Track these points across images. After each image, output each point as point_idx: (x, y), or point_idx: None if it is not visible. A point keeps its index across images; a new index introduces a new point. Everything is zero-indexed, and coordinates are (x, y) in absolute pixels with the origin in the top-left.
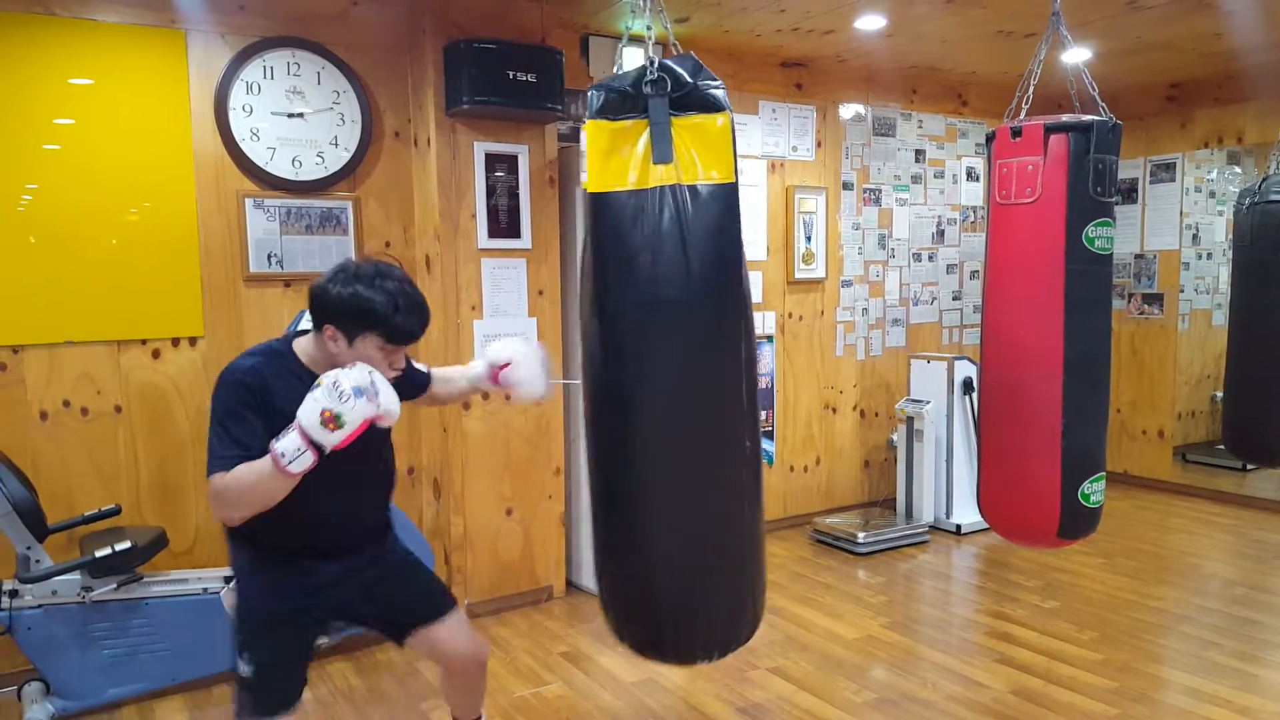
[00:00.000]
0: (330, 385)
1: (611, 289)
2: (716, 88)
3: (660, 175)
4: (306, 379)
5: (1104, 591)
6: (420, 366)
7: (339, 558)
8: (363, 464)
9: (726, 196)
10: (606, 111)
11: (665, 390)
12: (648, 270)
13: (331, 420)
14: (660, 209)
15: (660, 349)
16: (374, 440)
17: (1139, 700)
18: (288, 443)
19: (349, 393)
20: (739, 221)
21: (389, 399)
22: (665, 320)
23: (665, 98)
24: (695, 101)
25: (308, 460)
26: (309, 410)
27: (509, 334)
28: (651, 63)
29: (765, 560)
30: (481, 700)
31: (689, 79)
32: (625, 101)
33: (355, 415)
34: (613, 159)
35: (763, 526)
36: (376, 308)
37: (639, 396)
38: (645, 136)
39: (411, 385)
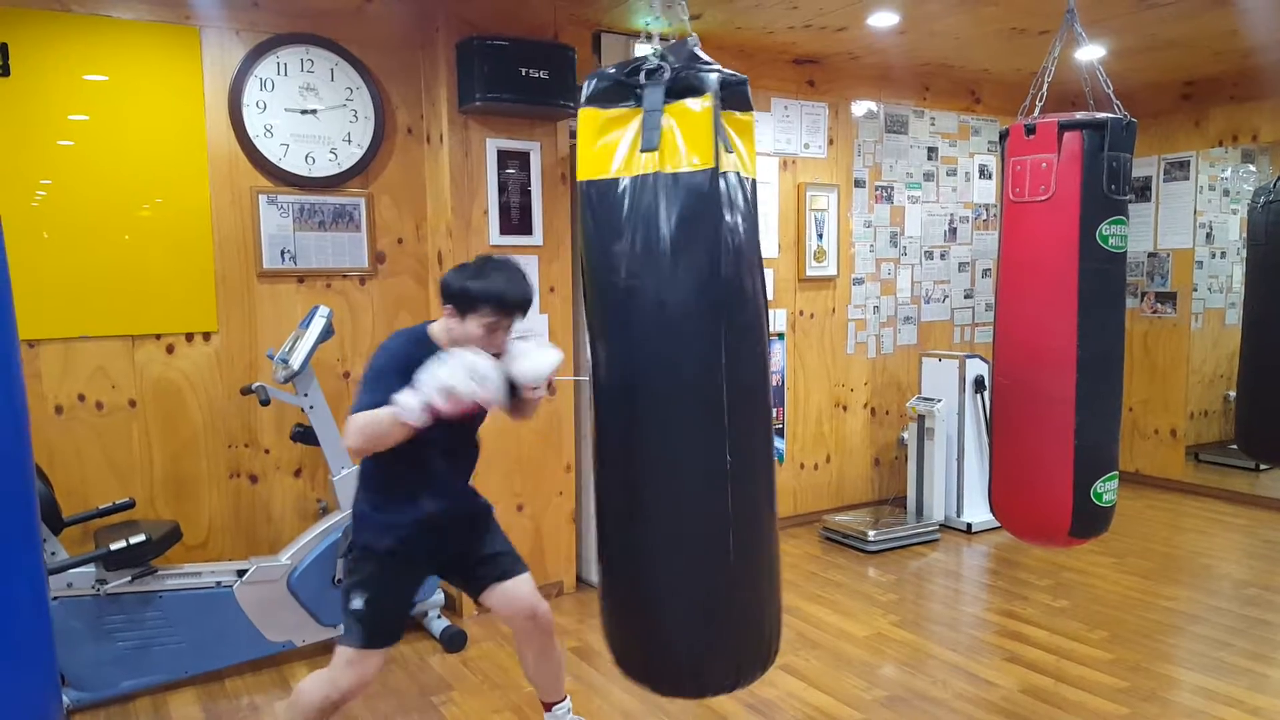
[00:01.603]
0: (457, 364)
1: (595, 280)
2: (706, 71)
3: (644, 163)
4: (405, 362)
5: (1115, 591)
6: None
7: (446, 506)
8: (464, 436)
9: (704, 183)
10: (597, 100)
11: (647, 385)
12: (624, 260)
13: (449, 393)
14: (640, 197)
15: (638, 343)
16: (476, 419)
17: (1150, 700)
18: (407, 398)
19: (469, 373)
20: (720, 208)
21: (494, 391)
22: (642, 312)
23: (660, 86)
24: (683, 87)
25: (421, 417)
26: (432, 377)
27: (520, 331)
28: (655, 52)
29: (779, 581)
30: (561, 679)
31: (679, 64)
32: (618, 90)
33: (468, 393)
34: (601, 147)
35: (776, 547)
36: (492, 292)
37: (629, 390)
38: (636, 124)
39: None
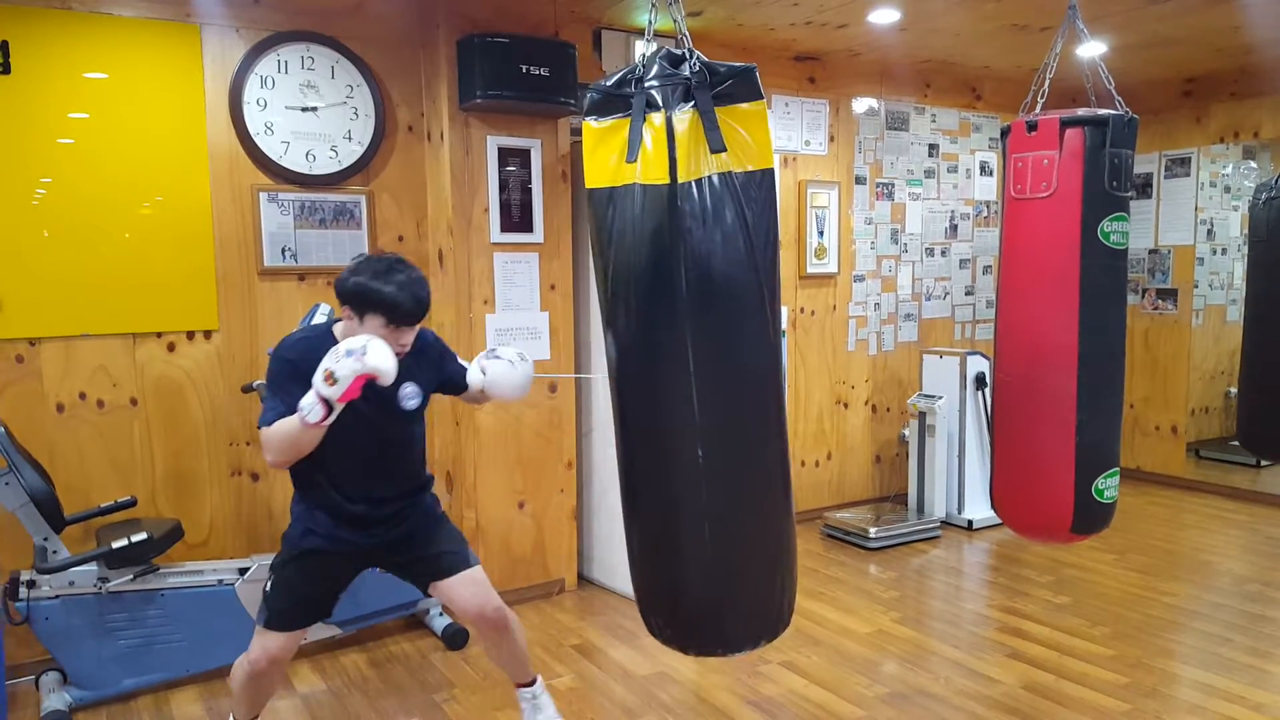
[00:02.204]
0: (331, 350)
1: (596, 279)
2: (666, 82)
3: (626, 174)
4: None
5: (1116, 587)
6: (464, 364)
7: (367, 510)
8: (382, 427)
9: (660, 196)
10: (592, 112)
11: (637, 389)
12: (613, 269)
13: (329, 377)
14: (622, 208)
15: (621, 347)
16: (389, 406)
17: (1151, 696)
18: (305, 399)
19: (341, 354)
20: (680, 219)
21: (377, 358)
22: (625, 317)
23: (643, 95)
24: (648, 100)
25: (318, 412)
26: (317, 372)
27: (521, 328)
28: (642, 58)
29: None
30: (525, 664)
31: (647, 75)
32: (608, 102)
33: (346, 371)
34: (596, 157)
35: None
36: (373, 291)
37: (620, 393)
38: (624, 134)
39: (447, 378)
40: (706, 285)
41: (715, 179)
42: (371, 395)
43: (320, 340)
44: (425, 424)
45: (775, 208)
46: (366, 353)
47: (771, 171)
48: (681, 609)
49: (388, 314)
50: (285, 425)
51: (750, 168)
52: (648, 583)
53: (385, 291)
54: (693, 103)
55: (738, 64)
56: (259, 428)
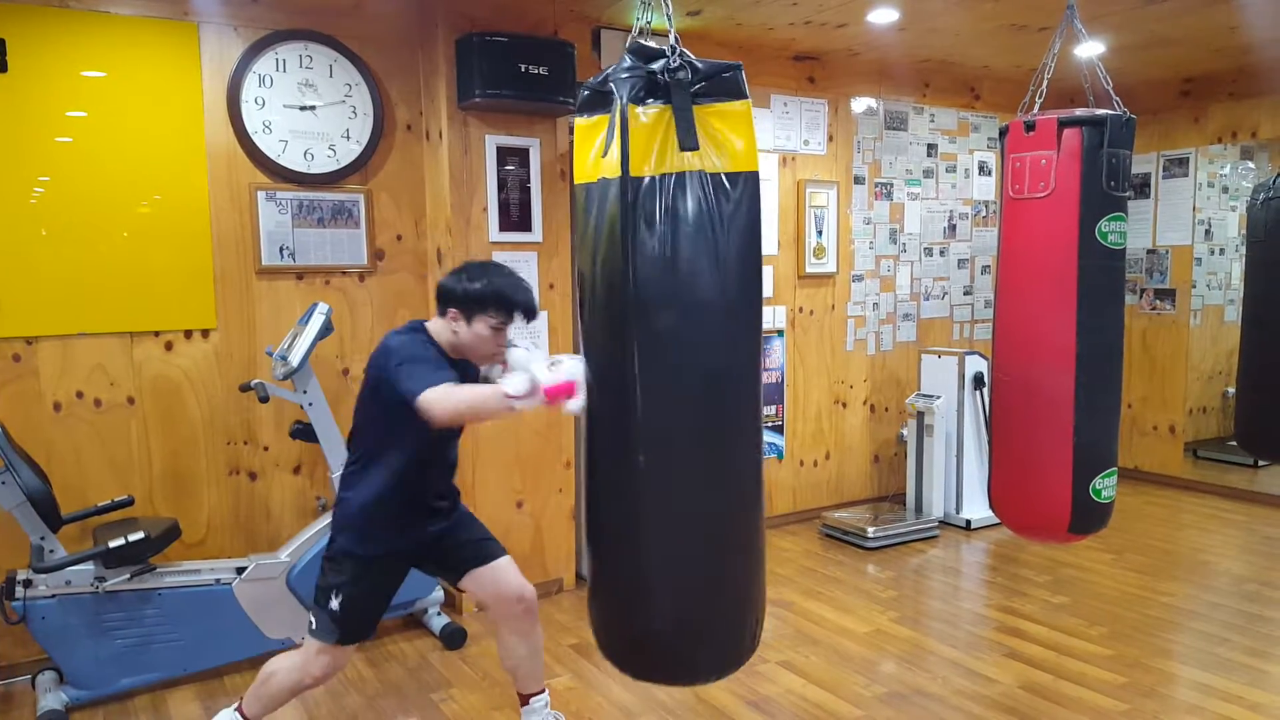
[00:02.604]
0: (542, 361)
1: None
2: (621, 80)
3: (597, 169)
4: (437, 352)
5: (1114, 587)
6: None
7: (431, 506)
8: (454, 432)
9: (616, 192)
10: (581, 109)
11: (595, 392)
12: (581, 263)
13: (554, 368)
14: (590, 201)
15: (586, 337)
16: (458, 430)
17: (1149, 696)
18: (517, 384)
19: (564, 360)
20: (630, 215)
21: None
22: (588, 307)
23: (625, 93)
24: (616, 95)
25: (527, 403)
26: (534, 370)
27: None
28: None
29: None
30: (541, 667)
31: (613, 71)
32: (592, 99)
33: (566, 371)
34: (581, 153)
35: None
36: (498, 294)
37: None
38: (603, 131)
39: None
40: (656, 286)
41: (679, 178)
42: None
43: (427, 339)
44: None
45: (754, 211)
46: (573, 366)
47: (753, 175)
48: (620, 633)
49: (509, 315)
50: (481, 393)
51: (726, 169)
52: (596, 597)
53: (517, 296)
54: (664, 99)
55: (723, 61)
56: (427, 389)
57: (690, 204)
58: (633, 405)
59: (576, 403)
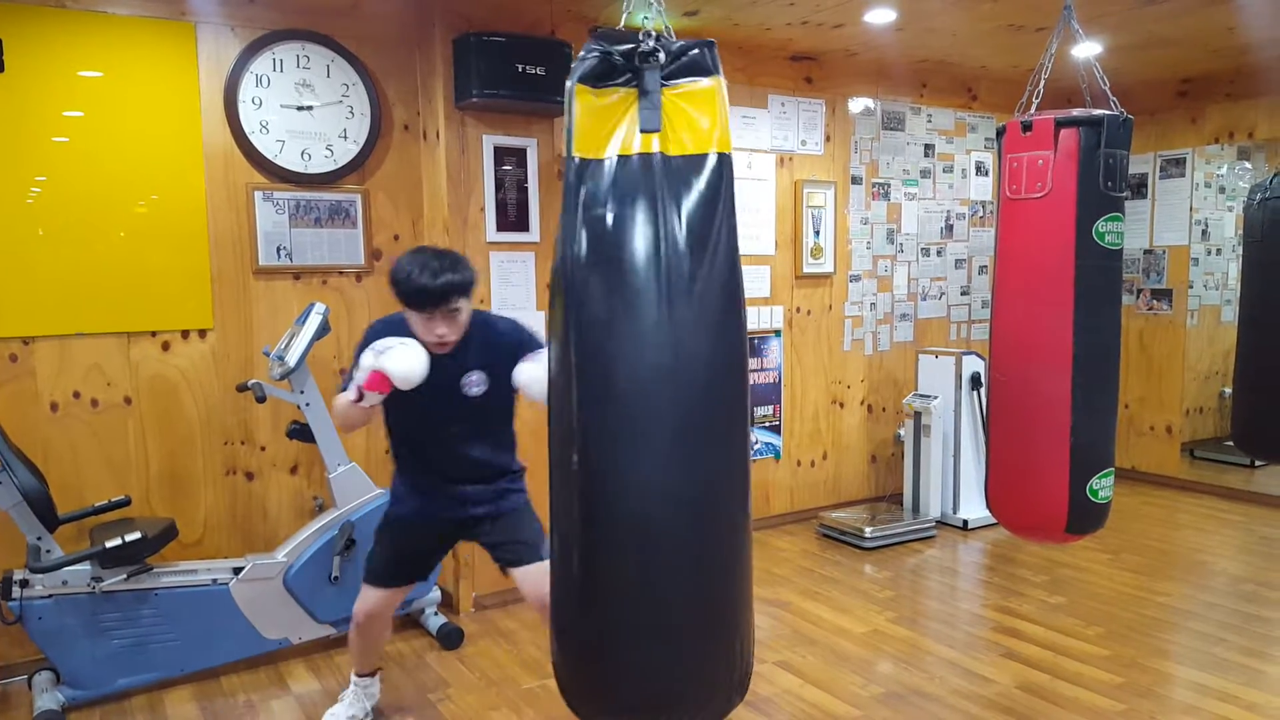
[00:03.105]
0: (373, 344)
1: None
2: (583, 61)
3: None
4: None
5: (1111, 587)
6: (524, 367)
7: (443, 486)
8: (449, 412)
9: (569, 171)
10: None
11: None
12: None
13: (364, 369)
14: (564, 186)
15: (550, 333)
16: (453, 393)
17: (1145, 696)
18: (350, 380)
19: (374, 349)
20: (574, 197)
21: (393, 361)
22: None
23: (577, 74)
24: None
25: (351, 394)
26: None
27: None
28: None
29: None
30: None
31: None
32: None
33: (365, 364)
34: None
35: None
36: (397, 280)
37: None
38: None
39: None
40: (596, 272)
41: (624, 160)
42: (434, 382)
43: (393, 324)
44: (512, 413)
45: (719, 197)
46: (386, 354)
47: (720, 156)
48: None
49: (405, 302)
50: (339, 397)
51: (688, 151)
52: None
53: (399, 281)
54: (626, 81)
55: (693, 40)
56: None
57: (641, 189)
58: (570, 403)
59: (375, 396)
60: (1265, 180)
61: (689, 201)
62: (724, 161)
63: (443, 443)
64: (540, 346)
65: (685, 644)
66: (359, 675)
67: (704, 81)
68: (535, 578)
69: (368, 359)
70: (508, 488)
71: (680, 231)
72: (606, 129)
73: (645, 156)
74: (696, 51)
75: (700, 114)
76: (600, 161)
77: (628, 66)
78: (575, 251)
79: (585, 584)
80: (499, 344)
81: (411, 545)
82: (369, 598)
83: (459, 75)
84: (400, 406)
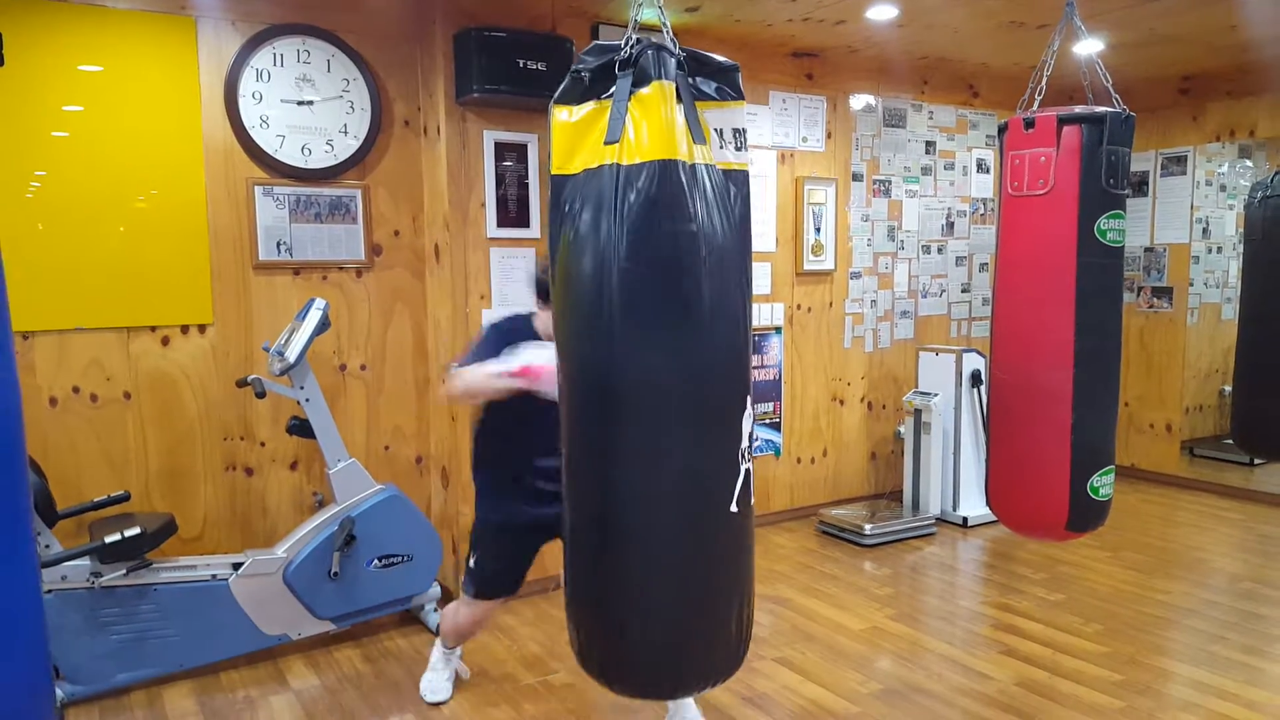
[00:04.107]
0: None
1: None
2: (567, 79)
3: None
4: (533, 338)
5: (1110, 585)
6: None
7: (543, 485)
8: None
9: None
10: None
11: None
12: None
13: (516, 351)
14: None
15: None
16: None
17: (1144, 693)
18: (496, 362)
19: (535, 347)
20: (556, 210)
21: (550, 375)
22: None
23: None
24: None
25: (512, 367)
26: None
27: None
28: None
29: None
30: None
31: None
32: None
33: (529, 354)
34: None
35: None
36: (541, 278)
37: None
38: None
39: None
40: (565, 280)
41: (589, 173)
42: None
43: (524, 321)
44: None
45: (660, 203)
46: (545, 359)
47: (666, 164)
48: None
49: (541, 297)
50: (486, 364)
51: (636, 160)
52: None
53: (542, 276)
54: (598, 91)
55: (647, 40)
56: (455, 369)
57: (596, 198)
58: (561, 394)
59: (522, 384)
60: (1266, 178)
61: (634, 209)
62: (667, 168)
63: (529, 443)
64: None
65: (682, 622)
66: (450, 647)
67: (649, 88)
68: None
69: (533, 351)
70: None
71: (625, 239)
72: (577, 144)
73: (603, 168)
74: (645, 57)
75: (647, 121)
76: (570, 176)
77: (601, 81)
78: (553, 263)
79: (576, 572)
80: None
81: (514, 551)
82: (478, 613)
83: (460, 71)
84: (523, 403)
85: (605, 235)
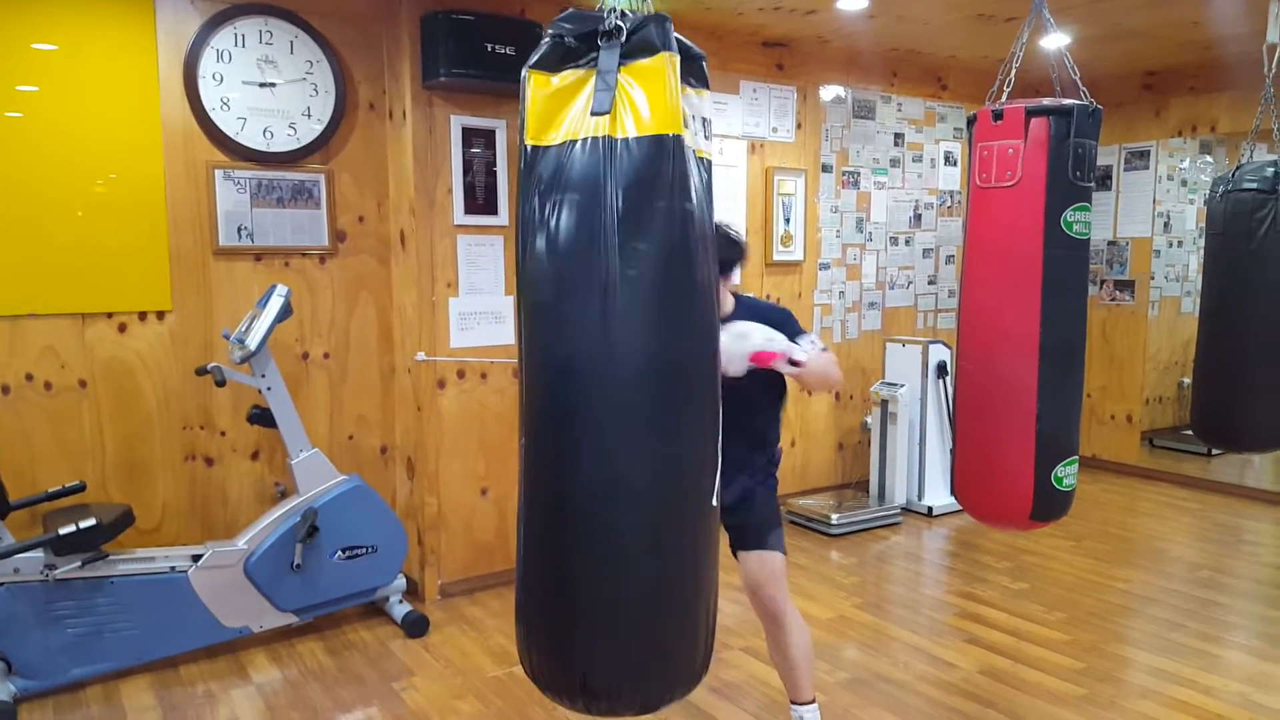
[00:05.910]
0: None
1: None
2: (545, 44)
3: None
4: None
5: (1072, 574)
6: (793, 344)
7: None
8: (740, 399)
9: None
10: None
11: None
12: None
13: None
14: None
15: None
16: (739, 387)
17: (1105, 680)
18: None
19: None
20: (527, 184)
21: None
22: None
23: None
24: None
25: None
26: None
27: (485, 312)
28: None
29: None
30: (793, 678)
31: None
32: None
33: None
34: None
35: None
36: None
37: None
38: None
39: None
40: (538, 258)
41: (572, 145)
42: None
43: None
44: (772, 399)
45: (662, 179)
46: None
47: (666, 139)
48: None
49: (736, 259)
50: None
51: (634, 134)
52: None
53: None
54: (580, 60)
55: (645, 15)
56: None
57: (585, 173)
58: (522, 385)
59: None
60: (1228, 173)
61: (632, 185)
62: (671, 143)
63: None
64: (801, 333)
65: (642, 629)
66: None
67: (651, 59)
68: (756, 564)
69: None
70: (747, 469)
71: (618, 216)
72: (558, 114)
73: (594, 140)
74: (647, 28)
75: (648, 93)
76: (550, 148)
77: (584, 49)
78: (525, 238)
79: (529, 566)
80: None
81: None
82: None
83: (426, 54)
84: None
85: (596, 211)
